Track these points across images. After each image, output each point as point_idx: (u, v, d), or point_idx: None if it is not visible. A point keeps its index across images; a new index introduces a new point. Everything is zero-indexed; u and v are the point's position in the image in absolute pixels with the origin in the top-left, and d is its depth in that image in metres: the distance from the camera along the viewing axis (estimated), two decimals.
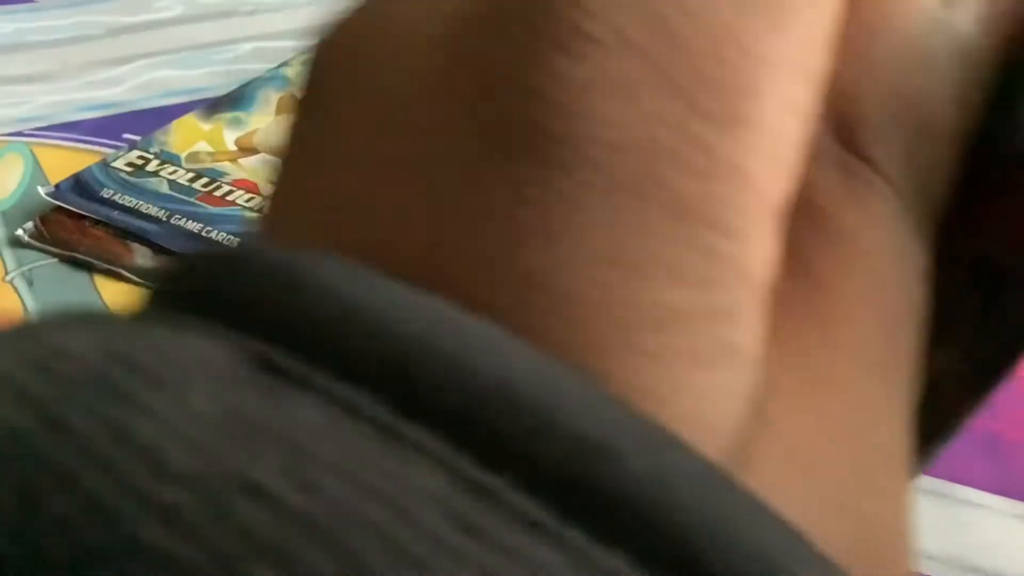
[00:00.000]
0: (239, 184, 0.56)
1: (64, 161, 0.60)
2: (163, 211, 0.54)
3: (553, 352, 0.12)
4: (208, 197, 0.55)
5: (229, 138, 0.60)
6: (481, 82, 0.12)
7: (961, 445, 0.44)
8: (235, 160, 0.58)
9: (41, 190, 0.55)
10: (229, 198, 0.55)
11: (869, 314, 0.13)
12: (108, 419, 0.10)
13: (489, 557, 0.10)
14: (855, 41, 0.14)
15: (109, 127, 0.63)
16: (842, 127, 0.13)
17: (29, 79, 0.68)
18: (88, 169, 0.57)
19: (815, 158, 0.13)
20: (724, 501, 0.11)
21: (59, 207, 0.55)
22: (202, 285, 0.12)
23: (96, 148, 0.61)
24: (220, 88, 0.66)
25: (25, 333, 0.11)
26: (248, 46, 0.71)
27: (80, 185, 0.56)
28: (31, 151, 0.61)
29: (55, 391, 0.10)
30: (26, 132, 0.63)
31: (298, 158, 0.14)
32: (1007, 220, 0.14)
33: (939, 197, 0.14)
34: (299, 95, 0.14)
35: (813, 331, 0.13)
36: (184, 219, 0.54)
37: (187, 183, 0.56)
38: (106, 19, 0.74)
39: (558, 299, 0.12)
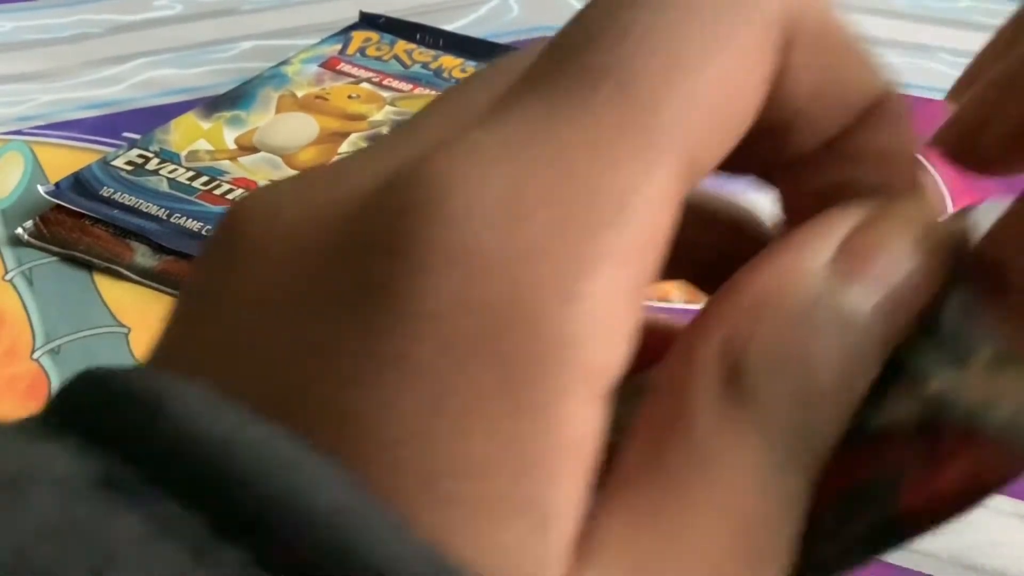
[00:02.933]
0: (239, 182, 0.56)
1: (64, 160, 0.60)
2: (163, 210, 0.54)
3: (375, 490, 0.13)
4: (208, 195, 0.55)
5: (229, 136, 0.60)
6: (353, 256, 0.14)
7: None
8: (235, 158, 0.58)
9: (41, 189, 0.55)
10: (229, 196, 0.55)
11: (722, 525, 0.15)
12: None
13: None
14: (746, 302, 0.16)
15: (109, 125, 0.63)
16: (730, 370, 0.15)
17: (28, 78, 0.68)
18: (88, 168, 0.57)
19: (698, 389, 0.15)
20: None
21: (59, 206, 0.55)
22: (70, 401, 0.14)
23: (96, 147, 0.61)
24: (220, 87, 0.66)
25: None
26: (247, 44, 0.71)
27: (80, 184, 0.56)
28: (31, 150, 0.61)
29: None
30: (26, 131, 0.63)
31: (195, 298, 0.16)
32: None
33: (824, 447, 0.16)
34: (206, 247, 0.16)
35: (658, 528, 0.15)
36: (184, 218, 0.54)
37: (187, 181, 0.56)
38: (105, 17, 0.74)
39: (380, 439, 0.13)
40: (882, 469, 0.16)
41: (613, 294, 0.14)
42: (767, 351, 0.15)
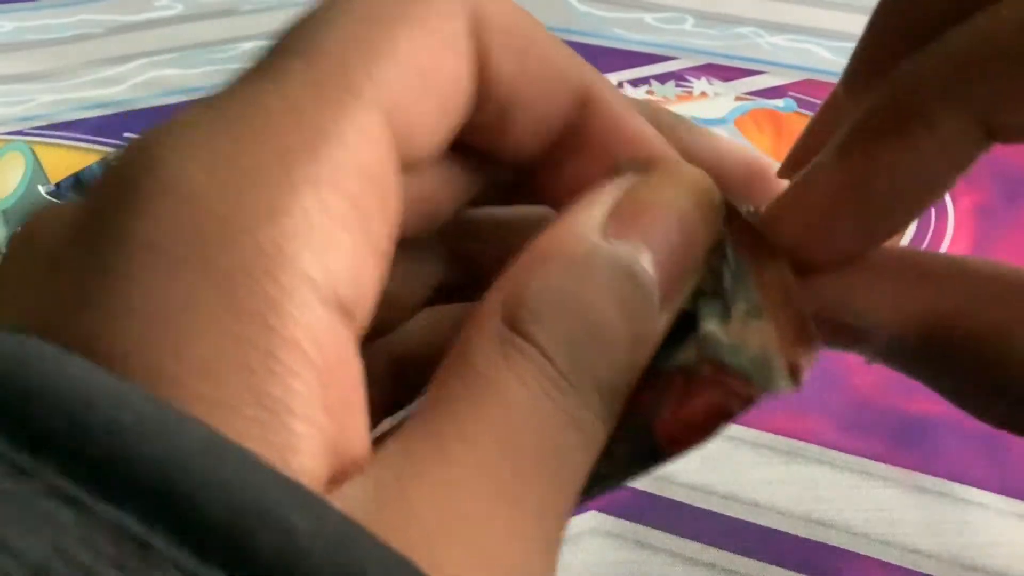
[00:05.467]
0: None
1: (65, 160, 0.60)
2: None
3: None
4: None
5: None
6: (92, 214, 0.16)
7: (961, 443, 0.44)
8: None
9: (42, 189, 0.55)
10: None
11: (495, 446, 0.16)
12: None
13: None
14: (527, 260, 0.18)
15: (110, 126, 0.63)
16: (510, 312, 0.18)
17: (29, 78, 0.68)
18: (89, 168, 0.57)
19: (481, 332, 0.17)
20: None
21: None
22: None
23: (97, 147, 0.61)
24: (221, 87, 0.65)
25: None
26: (248, 45, 0.71)
27: (81, 184, 0.56)
28: (32, 150, 0.61)
29: None
30: (27, 131, 0.63)
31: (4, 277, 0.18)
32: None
33: (620, 382, 0.18)
34: (10, 245, 0.19)
35: (431, 443, 0.16)
36: None
37: None
38: (106, 17, 0.74)
39: (112, 352, 0.15)
40: (654, 402, 0.19)
41: (322, 212, 0.16)
42: (542, 294, 0.18)
